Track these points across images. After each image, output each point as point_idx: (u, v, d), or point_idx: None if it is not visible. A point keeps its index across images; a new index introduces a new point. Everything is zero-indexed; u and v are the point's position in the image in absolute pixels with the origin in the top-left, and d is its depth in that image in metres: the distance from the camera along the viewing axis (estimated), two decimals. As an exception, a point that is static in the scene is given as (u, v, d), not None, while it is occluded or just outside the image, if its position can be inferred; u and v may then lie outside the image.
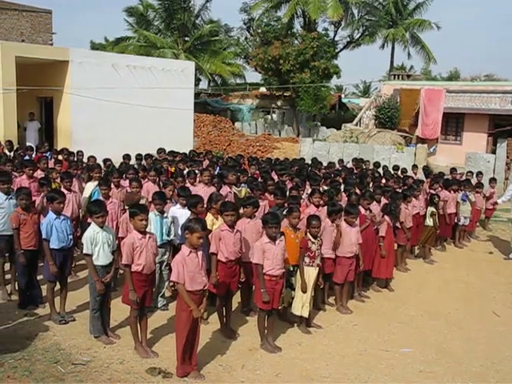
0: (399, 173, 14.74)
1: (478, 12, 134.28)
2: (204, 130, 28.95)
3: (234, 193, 9.76)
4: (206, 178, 9.70)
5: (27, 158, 12.86)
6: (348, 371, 6.14)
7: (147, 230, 6.31)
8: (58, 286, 7.06)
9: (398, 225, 9.76)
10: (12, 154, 13.77)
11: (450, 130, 26.72)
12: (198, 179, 10.08)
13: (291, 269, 7.02)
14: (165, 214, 7.54)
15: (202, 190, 9.14)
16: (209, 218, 7.41)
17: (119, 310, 6.81)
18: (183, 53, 35.41)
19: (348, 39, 36.69)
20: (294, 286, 7.10)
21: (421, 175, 15.14)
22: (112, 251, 6.46)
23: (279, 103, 36.41)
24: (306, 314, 7.07)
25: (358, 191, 9.98)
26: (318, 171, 13.05)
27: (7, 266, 8.00)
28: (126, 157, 13.20)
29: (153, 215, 7.28)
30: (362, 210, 8.64)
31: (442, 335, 7.36)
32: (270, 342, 6.56)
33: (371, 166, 15.56)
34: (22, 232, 7.22)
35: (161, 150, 14.82)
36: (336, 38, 35.68)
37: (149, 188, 9.65)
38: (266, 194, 9.52)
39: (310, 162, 15.57)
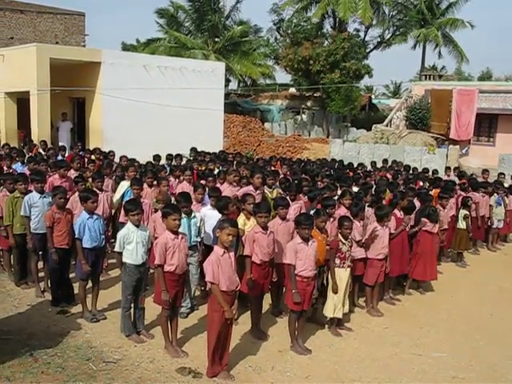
0: (430, 174, 14.57)
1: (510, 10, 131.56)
2: (234, 130, 29.04)
3: (265, 194, 9.72)
4: (233, 178, 9.74)
5: (60, 157, 13.07)
6: (379, 375, 6.06)
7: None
8: (89, 285, 7.15)
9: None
10: (44, 153, 13.99)
11: (482, 131, 26.21)
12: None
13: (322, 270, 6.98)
14: (192, 215, 7.41)
15: (228, 190, 9.15)
16: (241, 218, 7.41)
17: (150, 309, 6.83)
18: (213, 54, 35.55)
19: (379, 39, 36.40)
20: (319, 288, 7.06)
21: (453, 177, 14.88)
22: (146, 251, 6.51)
23: (309, 104, 36.29)
24: (339, 315, 7.02)
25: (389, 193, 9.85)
26: (352, 173, 12.94)
27: (40, 264, 8.13)
28: (157, 157, 13.26)
29: None
30: (398, 213, 8.55)
31: (475, 341, 7.20)
32: (300, 343, 6.52)
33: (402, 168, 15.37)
34: (56, 230, 7.31)
35: (193, 150, 14.96)
36: (366, 38, 35.45)
37: (184, 188, 9.69)
38: (300, 195, 9.49)
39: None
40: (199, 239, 7.50)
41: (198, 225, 7.44)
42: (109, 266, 8.97)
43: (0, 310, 7.19)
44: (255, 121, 31.81)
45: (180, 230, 7.01)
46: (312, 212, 7.31)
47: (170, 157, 13.52)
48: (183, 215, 7.27)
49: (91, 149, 14.82)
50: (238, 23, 39.35)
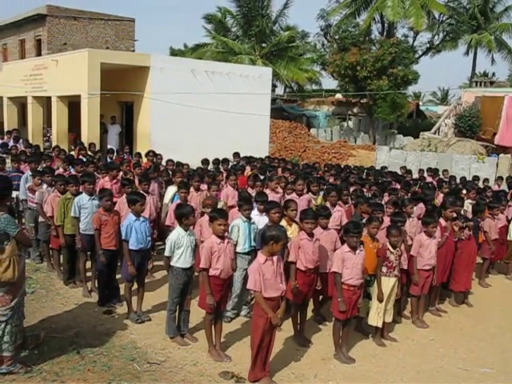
0: (480, 184, 14.22)
1: None
2: (279, 135, 29.01)
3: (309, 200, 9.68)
4: (274, 184, 9.78)
5: (108, 160, 13.33)
6: (424, 388, 5.95)
7: (234, 236, 6.51)
8: (135, 286, 7.27)
9: (483, 236, 9.39)
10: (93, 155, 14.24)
11: (536, 139, 25.26)
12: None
13: (368, 278, 6.89)
14: (252, 220, 7.42)
15: (269, 196, 9.14)
16: (282, 224, 7.36)
17: (194, 312, 6.87)
18: (260, 59, 35.64)
19: (428, 45, 35.78)
20: (371, 296, 6.96)
21: (504, 187, 14.46)
22: (193, 255, 6.54)
23: (355, 110, 35.94)
24: (379, 324, 6.93)
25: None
26: (396, 181, 12.75)
27: (88, 264, 8.31)
28: (205, 161, 13.35)
29: (241, 222, 7.24)
30: (443, 222, 8.37)
31: (526, 357, 6.97)
32: (344, 352, 6.45)
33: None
34: (103, 232, 7.47)
35: (236, 154, 15.01)
36: (415, 44, 34.90)
37: (228, 193, 9.74)
38: (340, 203, 9.42)
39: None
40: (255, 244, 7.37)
41: (256, 231, 7.37)
42: (154, 268, 9.08)
43: (49, 308, 7.39)
44: (301, 126, 31.70)
45: (241, 234, 7.12)
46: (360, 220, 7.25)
47: (216, 161, 13.57)
48: (244, 220, 7.31)
49: (141, 152, 14.93)
50: (285, 28, 39.36)
